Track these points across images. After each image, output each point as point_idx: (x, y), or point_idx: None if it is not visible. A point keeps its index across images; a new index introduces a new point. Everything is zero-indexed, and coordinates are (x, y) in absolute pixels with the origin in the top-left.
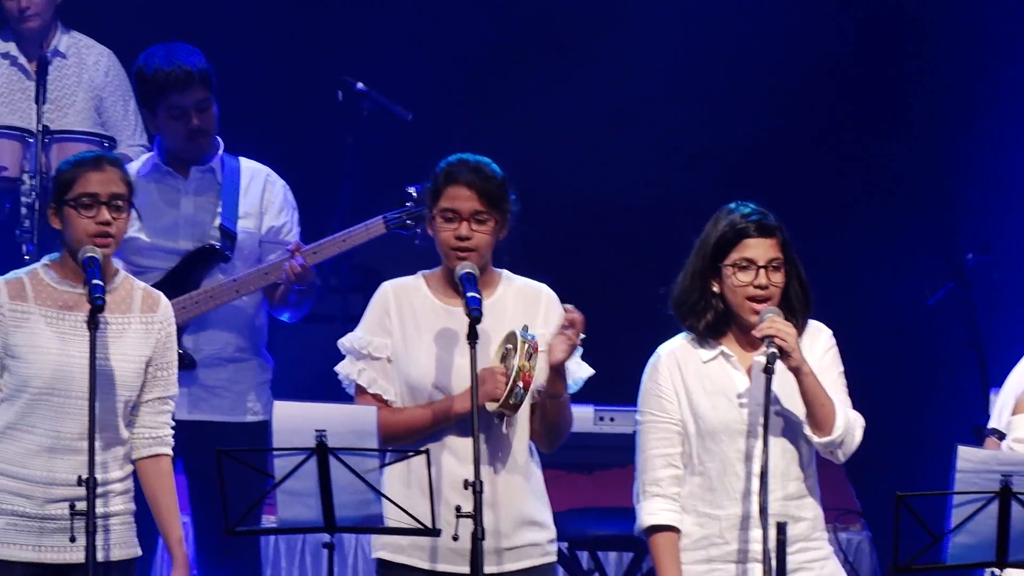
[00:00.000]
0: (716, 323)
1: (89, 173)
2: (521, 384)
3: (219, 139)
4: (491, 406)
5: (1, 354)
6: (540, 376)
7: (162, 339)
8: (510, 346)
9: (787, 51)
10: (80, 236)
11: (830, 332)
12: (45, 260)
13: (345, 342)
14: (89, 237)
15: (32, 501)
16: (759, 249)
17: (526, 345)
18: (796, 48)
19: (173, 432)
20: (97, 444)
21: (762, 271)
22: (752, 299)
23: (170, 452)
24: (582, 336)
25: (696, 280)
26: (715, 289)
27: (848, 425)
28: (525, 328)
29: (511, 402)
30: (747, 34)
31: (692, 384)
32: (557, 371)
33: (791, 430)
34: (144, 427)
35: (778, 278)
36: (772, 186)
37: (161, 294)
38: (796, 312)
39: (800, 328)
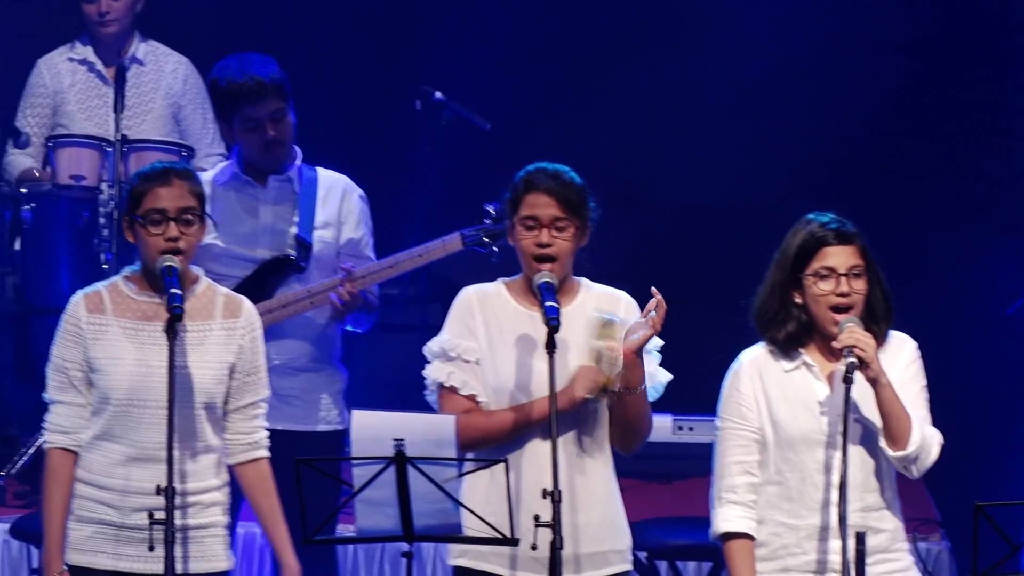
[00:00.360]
0: (797, 334)
1: (157, 188)
2: (606, 357)
3: (297, 149)
4: (592, 391)
5: (85, 368)
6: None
7: (246, 344)
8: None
9: (875, 62)
10: (151, 251)
11: (915, 345)
12: (125, 272)
13: (433, 346)
14: (159, 252)
15: (116, 510)
16: (839, 257)
17: (600, 322)
18: (883, 59)
19: (269, 435)
20: (180, 453)
21: (843, 279)
22: (834, 308)
23: (267, 454)
24: (659, 342)
25: (776, 291)
26: (796, 300)
27: (924, 441)
28: (600, 310)
29: (608, 376)
30: (837, 43)
31: (773, 392)
32: (635, 359)
33: (871, 441)
34: (238, 433)
35: (859, 285)
36: (854, 195)
37: (244, 299)
38: (878, 320)
39: (882, 337)
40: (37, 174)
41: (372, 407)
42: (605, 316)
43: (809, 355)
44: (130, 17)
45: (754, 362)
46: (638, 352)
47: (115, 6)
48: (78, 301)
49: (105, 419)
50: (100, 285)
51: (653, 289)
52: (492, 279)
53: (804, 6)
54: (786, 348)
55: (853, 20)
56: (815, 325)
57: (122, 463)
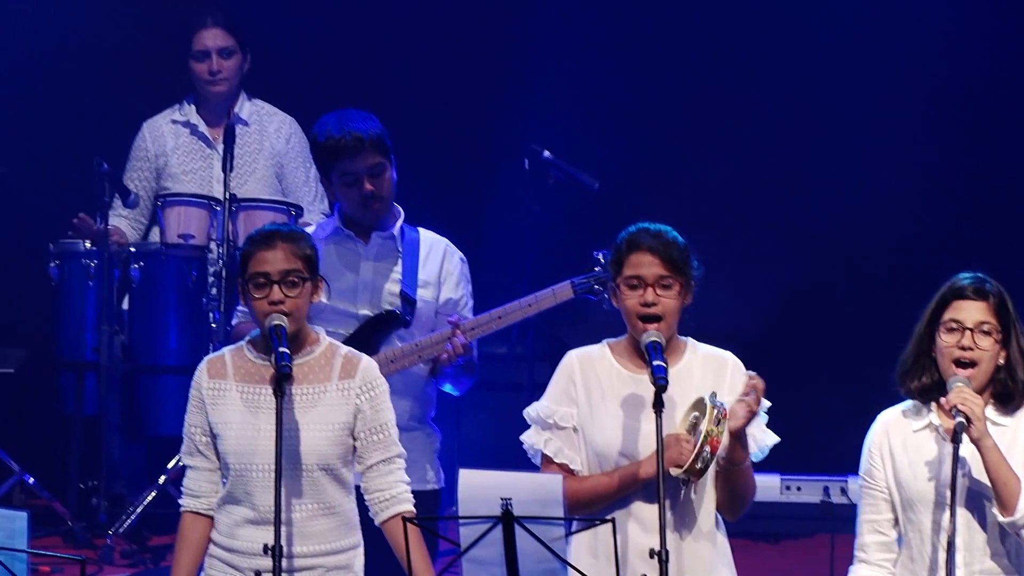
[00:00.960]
0: (929, 388)
1: (261, 252)
2: (708, 449)
3: (399, 208)
4: (675, 471)
5: (208, 433)
6: (725, 441)
7: (364, 403)
8: (697, 413)
9: None
10: (258, 315)
11: None
12: (250, 336)
13: (531, 411)
14: (264, 315)
15: (238, 571)
16: (970, 311)
17: (715, 411)
18: None
19: (409, 488)
20: (295, 515)
21: (968, 333)
22: (957, 362)
23: (411, 508)
24: (766, 404)
25: (915, 343)
26: (932, 353)
27: None
28: (714, 394)
29: (697, 467)
30: (994, 71)
31: (898, 452)
32: (737, 437)
33: (982, 503)
34: (377, 491)
35: (986, 343)
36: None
37: (364, 357)
38: (1013, 388)
39: (1017, 403)
40: (116, 237)
41: (479, 466)
42: (717, 402)
43: (937, 413)
44: (238, 77)
45: (886, 422)
46: (740, 431)
47: (226, 65)
48: (202, 367)
49: (230, 481)
50: (226, 350)
51: (750, 373)
52: (600, 338)
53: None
54: (920, 400)
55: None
56: (944, 380)
57: (241, 524)
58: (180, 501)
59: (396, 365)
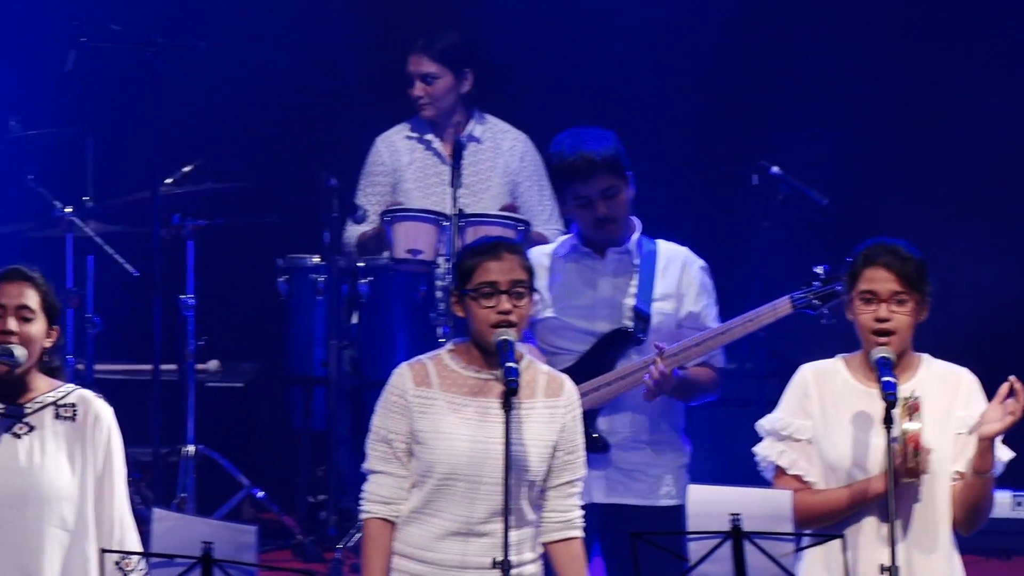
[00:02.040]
0: None
1: (488, 262)
2: (911, 447)
3: (636, 220)
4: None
5: (409, 440)
6: (943, 442)
7: (567, 423)
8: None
9: None
10: (482, 326)
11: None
12: (449, 346)
13: (765, 424)
14: (490, 327)
15: None
16: None
17: (905, 405)
18: None
19: (583, 514)
20: (497, 527)
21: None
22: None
23: (581, 534)
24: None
25: None
26: None
27: None
28: (910, 393)
29: (908, 467)
30: None
31: None
32: (987, 445)
33: None
34: (554, 511)
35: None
36: None
37: (566, 377)
38: None
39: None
40: (370, 233)
41: (709, 482)
42: (913, 397)
43: None
44: (450, 100)
45: None
46: (992, 438)
47: (429, 91)
48: (403, 372)
49: (426, 492)
50: (424, 357)
51: (1012, 378)
52: (827, 353)
53: None
54: None
55: None
56: None
57: (440, 537)
58: (364, 507)
59: (630, 382)
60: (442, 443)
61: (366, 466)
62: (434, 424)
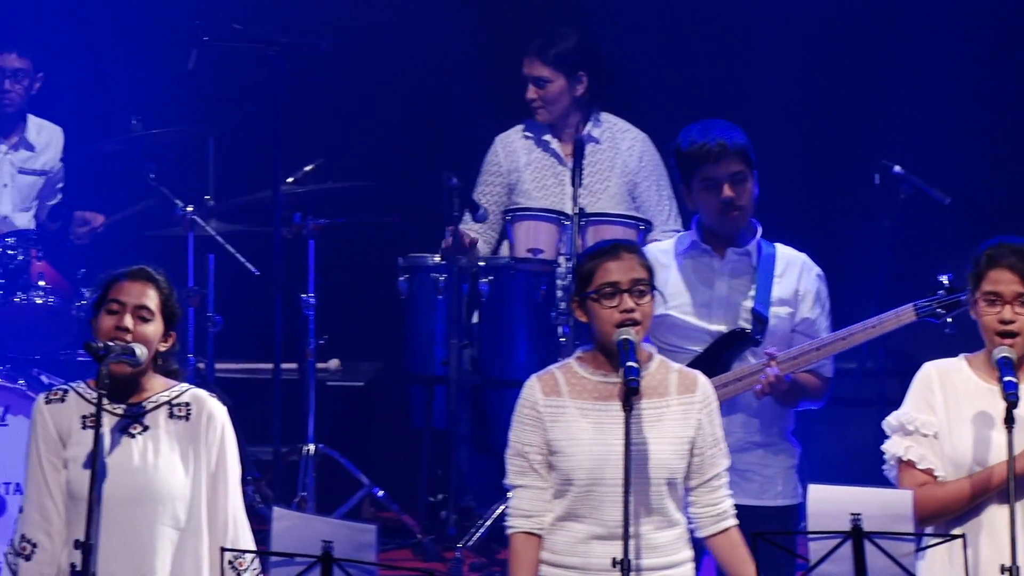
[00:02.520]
0: None
1: (608, 263)
2: None
3: (757, 224)
4: None
5: (545, 451)
6: None
7: (704, 418)
8: None
9: None
10: (606, 325)
11: None
12: (578, 353)
13: (892, 420)
14: (614, 325)
15: None
16: None
17: None
18: None
19: (734, 503)
20: (643, 528)
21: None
22: None
23: (735, 523)
24: None
25: None
26: None
27: None
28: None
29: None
30: None
31: None
32: None
33: None
34: (706, 505)
35: None
36: None
37: (698, 373)
38: None
39: None
40: (466, 239)
41: (829, 482)
42: None
43: None
44: (563, 103)
45: None
46: None
47: (541, 94)
48: (533, 384)
49: (569, 500)
50: (552, 367)
51: None
52: (950, 353)
53: None
54: None
55: None
56: None
57: (585, 541)
58: (508, 523)
59: (745, 384)
60: (577, 450)
61: (506, 481)
62: (567, 432)
